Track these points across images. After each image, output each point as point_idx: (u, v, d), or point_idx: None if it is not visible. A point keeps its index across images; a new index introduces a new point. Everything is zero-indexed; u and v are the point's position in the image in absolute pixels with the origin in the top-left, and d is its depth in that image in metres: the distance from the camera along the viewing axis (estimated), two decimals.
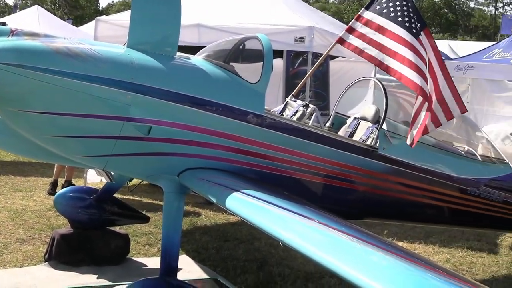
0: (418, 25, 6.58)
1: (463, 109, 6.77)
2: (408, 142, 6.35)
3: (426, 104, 6.26)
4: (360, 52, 6.78)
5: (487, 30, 71.62)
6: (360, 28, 6.85)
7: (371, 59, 6.68)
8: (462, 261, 8.19)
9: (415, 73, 6.22)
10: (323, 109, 11.36)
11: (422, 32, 6.58)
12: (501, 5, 78.16)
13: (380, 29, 6.66)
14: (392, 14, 6.63)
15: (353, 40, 6.86)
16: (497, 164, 7.68)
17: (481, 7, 77.89)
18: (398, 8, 6.62)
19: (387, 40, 6.55)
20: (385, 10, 6.71)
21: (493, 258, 8.40)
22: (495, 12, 76.99)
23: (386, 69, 6.52)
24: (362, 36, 6.79)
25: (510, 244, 9.17)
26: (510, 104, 18.48)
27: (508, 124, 17.46)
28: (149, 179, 5.87)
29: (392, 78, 6.79)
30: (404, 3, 6.72)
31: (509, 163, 7.81)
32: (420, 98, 6.25)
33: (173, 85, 5.28)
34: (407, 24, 6.52)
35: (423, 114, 6.29)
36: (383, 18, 6.67)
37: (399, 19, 6.58)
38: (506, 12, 77.86)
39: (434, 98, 6.53)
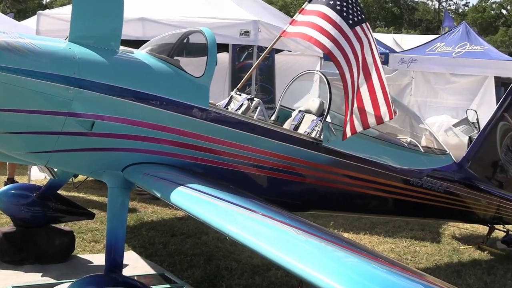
0: (357, 18, 6.65)
1: (391, 115, 6.80)
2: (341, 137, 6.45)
3: (354, 101, 6.38)
4: (298, 35, 6.81)
5: (431, 24, 72.88)
6: (302, 18, 6.88)
7: (313, 41, 6.72)
8: (406, 251, 8.34)
9: (344, 61, 6.34)
10: (269, 103, 11.41)
11: (359, 26, 6.64)
12: None
13: (320, 15, 6.69)
14: (331, 2, 6.68)
15: (295, 29, 6.88)
16: (438, 155, 7.85)
17: (425, 1, 79.21)
18: (338, 2, 6.67)
19: (326, 23, 6.59)
20: (329, 2, 6.76)
21: (436, 247, 8.58)
22: (438, 6, 78.40)
23: (325, 50, 6.58)
24: (303, 23, 6.81)
25: (452, 233, 9.39)
26: (452, 95, 18.90)
27: (450, 115, 17.84)
28: (93, 175, 5.80)
29: (336, 71, 6.85)
30: None
31: (450, 153, 7.99)
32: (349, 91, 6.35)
33: (116, 79, 5.22)
34: (344, 14, 6.59)
35: (352, 109, 6.41)
36: (325, 6, 6.71)
37: (338, 7, 6.63)
38: (450, 6, 79.48)
39: (367, 97, 6.62)
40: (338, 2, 6.65)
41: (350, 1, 6.66)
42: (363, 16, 6.77)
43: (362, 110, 6.54)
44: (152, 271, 6.88)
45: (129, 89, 5.27)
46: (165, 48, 6.01)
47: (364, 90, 6.59)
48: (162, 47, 6.03)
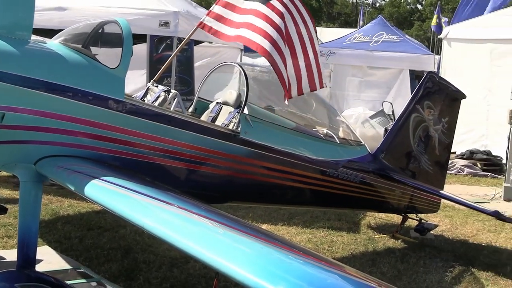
0: None
1: (322, 85, 7.00)
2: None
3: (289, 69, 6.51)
4: (214, 32, 6.84)
5: (349, 18, 74.19)
6: (219, 10, 6.90)
7: (224, 37, 6.76)
8: (323, 241, 8.47)
9: (266, 41, 6.44)
10: (188, 94, 11.37)
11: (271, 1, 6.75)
12: None
13: (235, 9, 6.73)
14: None
15: (210, 22, 6.89)
16: (354, 146, 8.01)
17: None
18: None
19: (239, 16, 6.64)
20: None
21: (352, 237, 8.76)
22: (356, 0, 79.87)
23: (243, 41, 6.67)
24: (220, 18, 6.83)
25: (367, 223, 9.60)
26: (369, 88, 19.35)
27: (367, 107, 18.24)
28: (4, 168, 5.62)
29: (256, 62, 6.90)
30: None
31: (365, 145, 8.16)
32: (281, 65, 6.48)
33: (27, 70, 5.06)
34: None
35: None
36: None
37: None
38: (366, 0, 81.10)
39: (302, 63, 6.75)
40: None
41: None
42: None
43: (296, 77, 6.68)
44: (67, 266, 6.75)
45: (41, 80, 5.12)
46: (79, 38, 5.87)
47: (295, 59, 6.70)
48: (76, 37, 5.89)
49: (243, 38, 6.62)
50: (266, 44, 6.47)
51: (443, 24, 28.69)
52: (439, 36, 20.31)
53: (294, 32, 6.84)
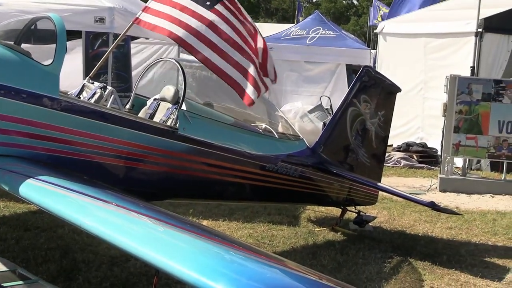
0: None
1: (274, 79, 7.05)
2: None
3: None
4: (153, 27, 6.77)
5: (287, 13, 74.57)
6: (156, 6, 6.82)
7: (163, 32, 6.71)
8: (264, 235, 8.50)
9: (204, 46, 6.45)
10: (126, 91, 11.23)
11: (220, 3, 6.71)
12: None
13: (175, 5, 6.68)
14: None
15: (148, 17, 6.81)
16: (293, 141, 8.06)
17: None
18: None
19: (180, 13, 6.60)
20: None
21: (292, 230, 8.81)
22: None
23: (180, 42, 6.64)
24: (157, 13, 6.76)
25: (308, 216, 9.68)
26: (307, 83, 19.50)
27: (304, 102, 18.38)
28: None
29: (194, 58, 6.86)
30: None
31: (304, 139, 8.23)
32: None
33: None
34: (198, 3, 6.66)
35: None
36: None
37: None
38: None
39: (255, 66, 6.76)
40: None
41: None
42: None
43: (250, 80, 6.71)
44: (4, 268, 6.57)
45: None
46: (11, 34, 5.76)
47: (244, 62, 6.70)
48: (8, 34, 5.77)
49: (176, 36, 6.56)
50: (199, 47, 6.46)
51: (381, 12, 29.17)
52: (375, 31, 20.62)
53: (234, 33, 6.83)
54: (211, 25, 6.59)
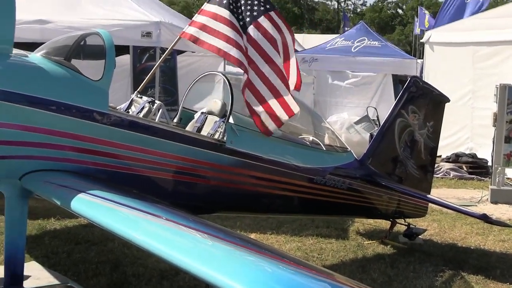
0: (257, 11, 6.72)
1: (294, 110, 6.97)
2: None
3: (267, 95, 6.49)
4: (195, 39, 6.79)
5: (331, 24, 74.52)
6: (201, 20, 6.85)
7: (205, 45, 6.73)
8: (312, 248, 8.44)
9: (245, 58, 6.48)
10: (172, 105, 11.34)
11: (264, 16, 6.73)
12: None
13: (216, 17, 6.70)
14: (224, 1, 6.71)
15: (192, 30, 6.84)
16: (340, 153, 7.99)
17: (324, 1, 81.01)
18: (231, 1, 6.71)
19: (222, 26, 6.62)
20: (224, 1, 6.76)
21: (341, 243, 8.73)
22: (337, 6, 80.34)
23: (224, 56, 6.65)
24: (200, 26, 6.78)
25: (356, 229, 9.58)
26: (351, 94, 19.37)
27: (351, 113, 18.25)
28: None
29: (239, 71, 6.87)
30: None
31: (351, 151, 8.15)
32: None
33: (8, 84, 5.02)
34: (240, 10, 6.66)
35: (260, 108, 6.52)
36: (222, 8, 6.72)
37: (231, 6, 6.69)
38: (348, 6, 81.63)
39: (282, 90, 6.72)
40: (231, 1, 6.69)
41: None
42: (268, 6, 6.83)
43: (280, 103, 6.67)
44: (56, 281, 6.67)
45: (23, 94, 5.08)
46: (62, 51, 5.83)
47: (277, 82, 6.69)
48: (58, 50, 5.85)
49: (222, 51, 6.58)
50: (242, 59, 6.48)
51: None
52: (421, 40, 20.39)
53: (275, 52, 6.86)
54: (250, 39, 6.63)
